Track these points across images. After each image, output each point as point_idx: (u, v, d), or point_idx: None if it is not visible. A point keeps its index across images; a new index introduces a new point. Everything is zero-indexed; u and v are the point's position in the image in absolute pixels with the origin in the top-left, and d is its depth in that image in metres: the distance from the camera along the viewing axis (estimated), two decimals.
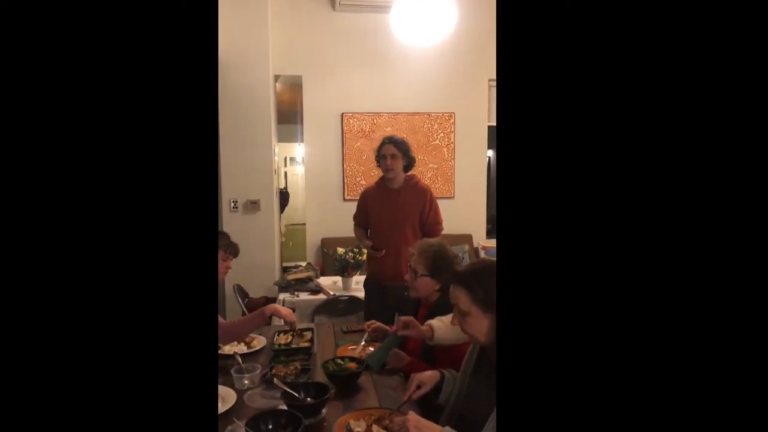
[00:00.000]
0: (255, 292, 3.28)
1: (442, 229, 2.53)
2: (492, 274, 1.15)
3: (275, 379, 1.44)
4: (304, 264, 3.65)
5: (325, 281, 3.05)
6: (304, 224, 4.04)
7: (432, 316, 1.69)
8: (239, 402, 1.40)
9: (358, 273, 2.95)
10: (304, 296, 2.75)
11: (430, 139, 4.06)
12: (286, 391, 1.37)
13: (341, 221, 3.89)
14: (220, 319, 1.68)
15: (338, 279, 3.06)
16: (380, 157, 2.41)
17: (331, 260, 3.75)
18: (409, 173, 2.49)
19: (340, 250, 3.53)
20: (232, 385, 1.49)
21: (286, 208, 4.07)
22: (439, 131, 4.07)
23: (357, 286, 2.88)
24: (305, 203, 4.04)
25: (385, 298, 2.40)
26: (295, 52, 3.79)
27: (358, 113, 3.92)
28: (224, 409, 1.34)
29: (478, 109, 4.13)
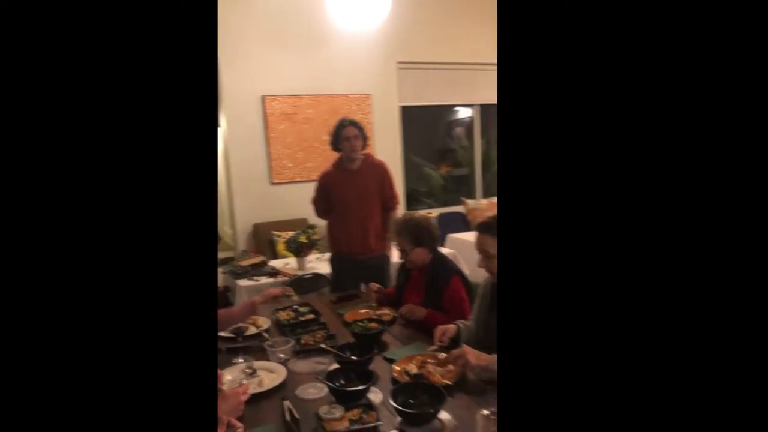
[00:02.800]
0: None
1: (399, 201, 2.76)
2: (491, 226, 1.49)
3: (323, 345, 1.56)
4: (234, 253, 3.60)
5: (277, 263, 3.08)
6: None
7: (428, 277, 1.93)
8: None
9: (312, 252, 3.05)
10: (264, 280, 2.77)
11: None
12: (335, 353, 1.50)
13: (271, 205, 3.88)
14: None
15: (287, 260, 3.13)
16: (342, 140, 2.51)
17: (265, 244, 3.74)
18: (364, 151, 2.64)
19: (281, 234, 3.56)
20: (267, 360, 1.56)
21: None
22: (358, 112, 4.23)
23: (310, 264, 2.99)
24: (228, 190, 3.92)
25: (356, 270, 2.57)
26: None
27: (279, 96, 3.90)
28: (280, 381, 1.43)
29: (389, 91, 4.38)
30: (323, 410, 1.19)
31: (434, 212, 4.59)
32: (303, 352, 1.61)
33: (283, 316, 1.97)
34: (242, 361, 1.55)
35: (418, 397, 1.24)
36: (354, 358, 1.50)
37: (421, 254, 1.96)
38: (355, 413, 1.19)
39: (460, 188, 5.34)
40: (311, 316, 1.95)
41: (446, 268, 1.94)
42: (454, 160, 5.46)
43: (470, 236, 3.68)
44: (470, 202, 4.75)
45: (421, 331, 1.80)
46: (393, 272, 2.78)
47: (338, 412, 1.18)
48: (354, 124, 2.53)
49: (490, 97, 5.06)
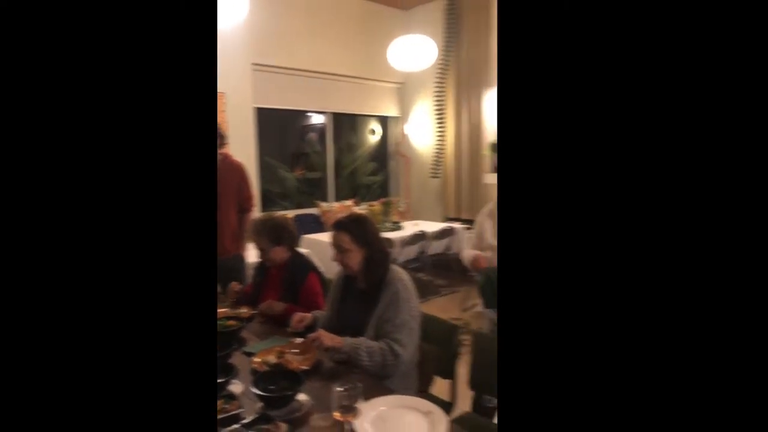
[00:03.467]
0: None
1: (255, 203, 2.79)
2: (362, 222, 1.69)
3: None
4: None
5: None
6: None
7: (286, 274, 2.05)
8: None
9: None
10: None
11: None
12: None
13: None
14: None
15: None
16: None
17: None
18: (221, 151, 2.63)
19: None
20: None
21: None
22: None
23: None
24: None
25: None
26: None
27: None
28: None
29: (244, 92, 4.34)
30: None
31: (289, 214, 4.66)
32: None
33: None
34: None
35: (278, 383, 1.35)
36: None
37: (279, 253, 2.06)
38: (218, 404, 1.25)
39: (314, 191, 5.51)
40: None
41: (304, 265, 2.08)
42: (308, 163, 5.61)
43: (324, 237, 3.86)
44: (324, 204, 4.94)
45: (278, 327, 1.90)
46: (248, 272, 2.81)
47: None
48: None
49: (343, 106, 5.34)
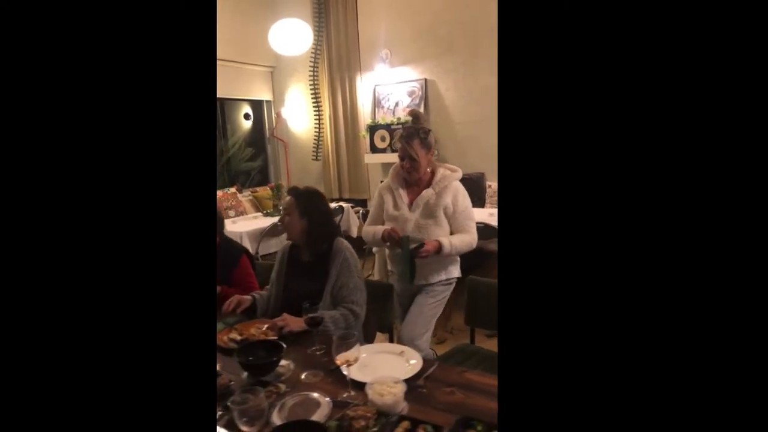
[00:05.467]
0: None
1: None
2: (311, 193, 1.83)
3: None
4: None
5: None
6: None
7: (218, 258, 2.05)
8: None
9: None
10: None
11: None
12: None
13: None
14: None
15: None
16: None
17: None
18: None
19: None
20: None
21: None
22: None
23: None
24: None
25: None
26: None
27: None
28: None
29: None
30: None
31: None
32: None
33: None
34: None
35: (257, 354, 1.44)
36: None
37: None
38: None
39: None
40: None
41: (234, 249, 2.11)
42: None
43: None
44: None
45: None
46: None
47: None
48: None
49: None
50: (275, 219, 4.27)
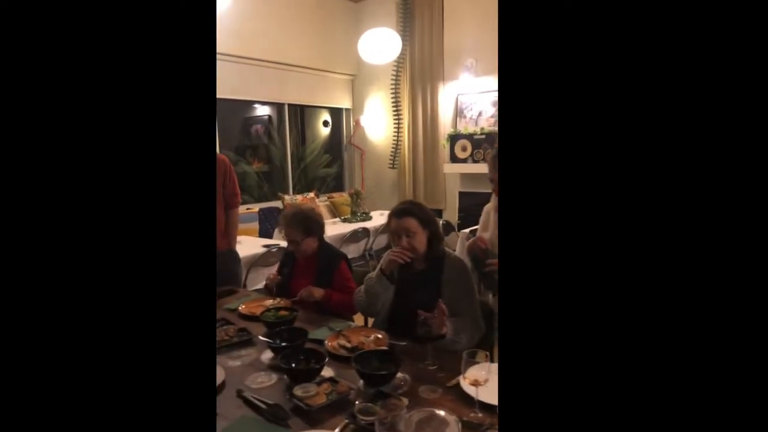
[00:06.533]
0: None
1: (240, 199, 2.67)
2: (419, 205, 1.79)
3: (261, 337, 1.53)
4: None
5: None
6: None
7: (319, 263, 2.05)
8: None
9: None
10: None
11: None
12: (268, 342, 1.50)
13: None
14: None
15: None
16: None
17: None
18: None
19: None
20: None
21: None
22: None
23: None
24: None
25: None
26: None
27: None
28: (222, 379, 1.37)
29: None
30: (298, 390, 1.23)
31: (254, 207, 4.52)
32: (225, 347, 1.55)
33: None
34: None
35: (370, 363, 1.39)
36: (284, 344, 1.53)
37: (310, 243, 2.05)
38: (326, 387, 1.26)
39: (264, 185, 5.36)
40: None
41: (334, 253, 2.09)
42: (259, 156, 5.45)
43: None
44: (287, 197, 4.85)
45: (316, 314, 1.91)
46: (238, 267, 2.73)
47: (313, 389, 1.24)
48: None
49: (295, 97, 5.26)
50: (354, 225, 4.29)
